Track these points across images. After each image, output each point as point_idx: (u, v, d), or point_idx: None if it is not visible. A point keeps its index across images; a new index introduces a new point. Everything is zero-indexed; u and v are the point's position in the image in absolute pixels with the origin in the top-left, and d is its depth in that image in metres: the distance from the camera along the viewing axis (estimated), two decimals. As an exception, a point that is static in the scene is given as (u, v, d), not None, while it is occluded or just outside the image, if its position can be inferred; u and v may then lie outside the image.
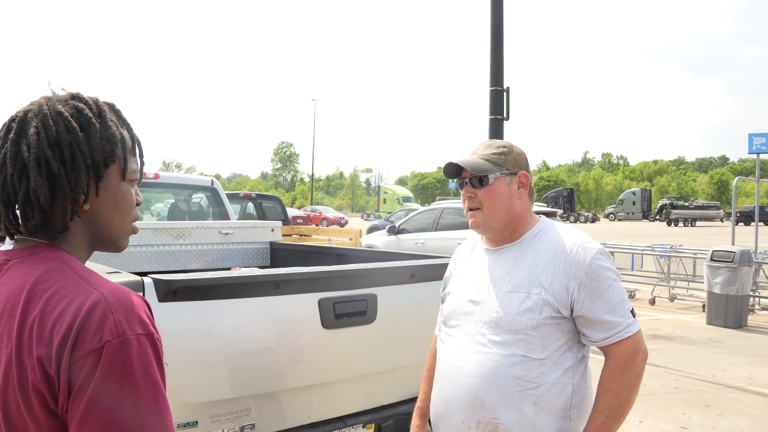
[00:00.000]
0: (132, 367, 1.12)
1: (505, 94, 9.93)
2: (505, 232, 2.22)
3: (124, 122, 1.38)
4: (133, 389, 1.12)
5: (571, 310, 2.07)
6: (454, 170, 2.25)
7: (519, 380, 2.05)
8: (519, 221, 2.23)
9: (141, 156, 1.44)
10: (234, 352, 2.61)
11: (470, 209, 2.23)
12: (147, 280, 2.41)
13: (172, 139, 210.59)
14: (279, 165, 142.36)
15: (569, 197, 66.41)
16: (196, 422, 2.53)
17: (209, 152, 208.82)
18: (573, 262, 2.08)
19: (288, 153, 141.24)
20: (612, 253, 14.18)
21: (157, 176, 6.23)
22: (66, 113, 1.27)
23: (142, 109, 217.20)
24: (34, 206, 1.23)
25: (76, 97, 1.32)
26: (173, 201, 7.92)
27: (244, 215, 13.87)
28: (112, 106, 1.37)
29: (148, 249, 5.05)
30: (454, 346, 2.21)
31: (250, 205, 14.63)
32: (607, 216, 72.21)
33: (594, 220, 65.11)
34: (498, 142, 2.28)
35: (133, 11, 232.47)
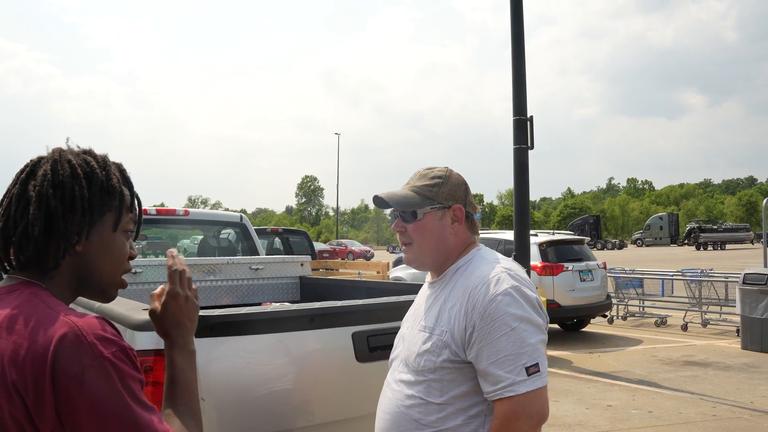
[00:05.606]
0: (115, 384, 1.19)
1: (528, 123, 9.96)
2: (438, 267, 2.11)
3: (127, 181, 1.50)
4: (120, 405, 1.19)
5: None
6: (382, 202, 2.11)
7: (416, 422, 1.95)
8: (453, 256, 2.09)
9: (139, 215, 1.56)
10: (269, 386, 2.62)
11: (402, 243, 2.13)
12: (183, 316, 2.43)
13: (198, 175, 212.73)
14: (304, 199, 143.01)
15: (595, 224, 65.98)
16: (233, 457, 2.54)
17: (234, 188, 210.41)
18: (472, 301, 1.90)
19: (312, 187, 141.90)
20: (641, 279, 14.04)
21: (187, 213, 6.32)
22: (74, 162, 1.39)
23: (168, 147, 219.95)
24: (29, 239, 1.33)
25: (87, 152, 1.46)
26: (202, 237, 7.98)
27: (271, 250, 13.92)
28: (118, 166, 1.50)
29: (180, 286, 5.08)
30: (385, 383, 2.16)
31: (277, 240, 14.71)
32: (634, 242, 71.53)
33: (621, 246, 64.56)
34: (434, 171, 2.13)
35: (162, 46, 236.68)
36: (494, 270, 1.95)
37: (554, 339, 11.38)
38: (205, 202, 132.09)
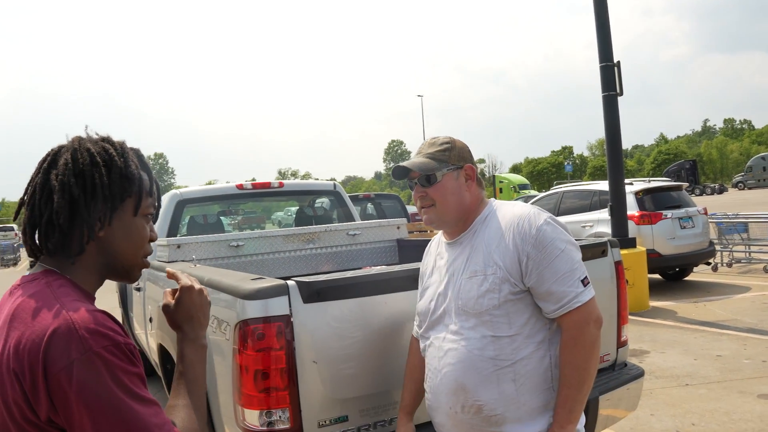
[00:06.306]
0: (103, 378, 1.22)
1: (616, 69, 9.67)
2: (458, 224, 2.31)
3: (145, 166, 1.55)
4: (108, 397, 1.22)
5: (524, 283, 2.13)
6: (402, 171, 2.32)
7: (493, 360, 2.12)
8: (470, 211, 2.30)
9: (158, 198, 1.59)
10: (378, 346, 2.70)
11: (423, 207, 2.32)
12: (291, 283, 2.53)
13: (285, 148, 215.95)
14: (392, 164, 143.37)
15: (692, 169, 63.42)
16: (347, 417, 2.63)
17: (322, 158, 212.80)
18: (519, 235, 2.13)
19: (399, 151, 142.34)
20: (746, 223, 13.50)
21: (281, 185, 6.43)
22: (93, 150, 1.44)
23: (255, 123, 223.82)
24: (55, 227, 1.39)
25: (105, 139, 1.50)
26: (296, 208, 8.14)
27: (364, 216, 14.06)
28: (136, 151, 1.55)
29: (281, 255, 5.23)
30: (435, 340, 2.28)
31: (370, 205, 14.83)
32: (735, 185, 68.35)
33: (721, 191, 61.85)
34: (441, 138, 2.35)
35: (251, 28, 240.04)
36: (525, 208, 2.21)
37: (657, 289, 11.13)
38: (294, 174, 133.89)
